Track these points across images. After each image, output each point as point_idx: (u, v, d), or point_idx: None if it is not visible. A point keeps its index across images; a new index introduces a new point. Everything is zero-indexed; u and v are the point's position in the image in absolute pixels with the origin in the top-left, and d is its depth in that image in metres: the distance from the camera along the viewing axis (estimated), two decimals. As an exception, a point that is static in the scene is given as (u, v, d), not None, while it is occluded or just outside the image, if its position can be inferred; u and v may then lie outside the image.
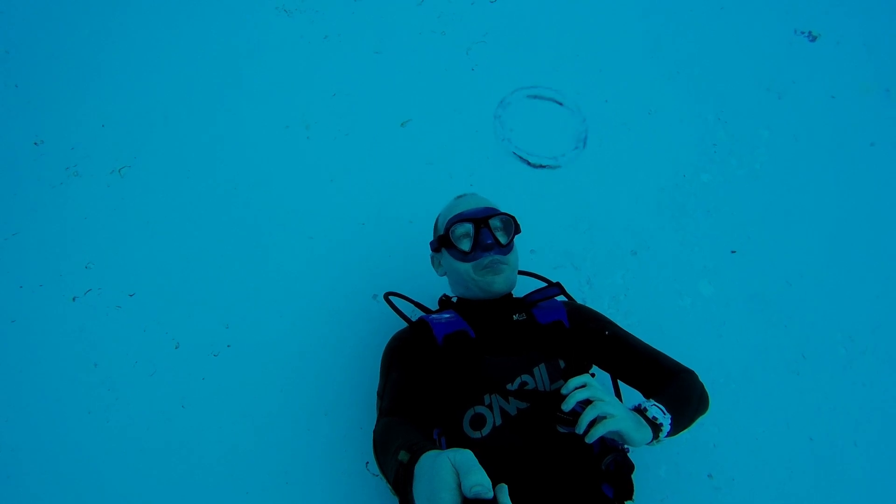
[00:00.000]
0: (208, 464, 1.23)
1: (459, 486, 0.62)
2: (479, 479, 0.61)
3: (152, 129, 1.53)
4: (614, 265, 1.51)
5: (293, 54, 1.66)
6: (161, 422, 1.26)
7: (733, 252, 1.54)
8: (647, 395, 1.06)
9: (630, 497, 0.96)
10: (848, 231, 1.59)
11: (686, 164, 1.65)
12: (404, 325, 1.20)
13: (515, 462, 0.94)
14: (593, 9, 1.80)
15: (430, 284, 1.36)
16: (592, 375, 0.97)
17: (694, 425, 1.03)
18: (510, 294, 1.17)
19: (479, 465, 0.64)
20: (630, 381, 1.11)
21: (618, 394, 1.16)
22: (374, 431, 0.95)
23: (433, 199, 1.36)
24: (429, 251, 1.27)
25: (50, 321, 1.32)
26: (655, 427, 0.90)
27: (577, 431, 0.85)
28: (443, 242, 1.16)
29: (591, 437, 0.84)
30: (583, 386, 0.88)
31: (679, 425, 0.96)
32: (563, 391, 0.88)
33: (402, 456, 0.74)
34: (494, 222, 1.14)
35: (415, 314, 1.25)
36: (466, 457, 0.65)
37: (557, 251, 1.51)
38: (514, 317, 1.12)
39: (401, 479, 0.72)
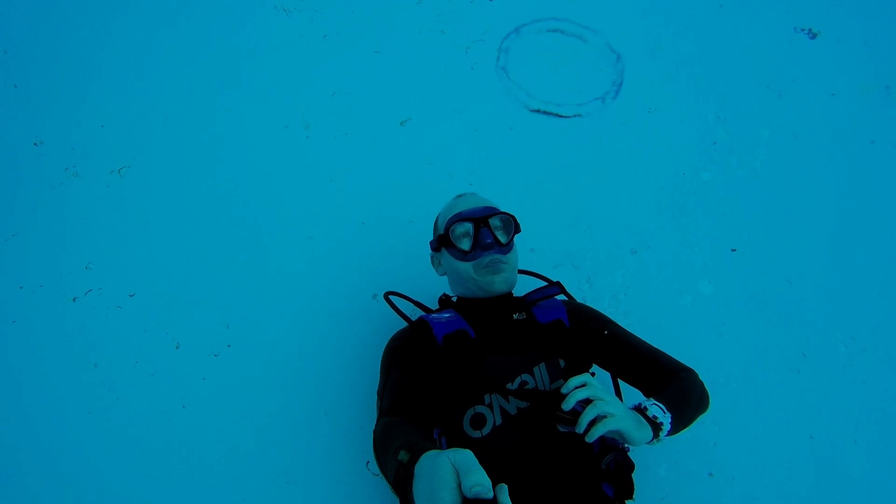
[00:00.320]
0: (208, 464, 1.24)
1: (459, 485, 0.62)
2: (479, 479, 0.61)
3: (152, 130, 1.53)
4: (614, 264, 1.51)
5: (292, 54, 1.66)
6: (161, 422, 1.26)
7: (733, 251, 1.54)
8: (647, 395, 1.06)
9: (630, 496, 0.96)
10: (848, 229, 1.59)
11: (686, 163, 1.64)
12: (404, 324, 1.20)
13: (516, 462, 0.94)
14: (593, 9, 1.79)
15: (429, 284, 1.36)
16: (593, 375, 0.97)
17: (694, 424, 1.03)
18: (510, 293, 1.16)
19: (479, 465, 0.64)
20: (630, 380, 1.11)
21: (618, 393, 1.16)
22: (374, 431, 0.95)
23: (433, 199, 1.36)
24: (428, 251, 1.27)
25: (50, 322, 1.32)
26: (655, 426, 0.90)
27: (577, 431, 0.85)
28: (442, 242, 1.16)
29: (592, 437, 0.84)
30: (583, 385, 0.88)
31: (679, 424, 0.96)
32: (563, 390, 0.88)
33: (402, 456, 0.74)
34: (494, 221, 1.14)
35: (415, 314, 1.25)
36: (466, 456, 0.65)
37: (557, 250, 1.51)
38: (514, 316, 1.12)
39: (401, 479, 0.72)
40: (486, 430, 0.97)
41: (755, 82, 1.75)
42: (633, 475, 0.97)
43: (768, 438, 1.34)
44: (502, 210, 1.17)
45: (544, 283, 1.25)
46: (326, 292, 1.41)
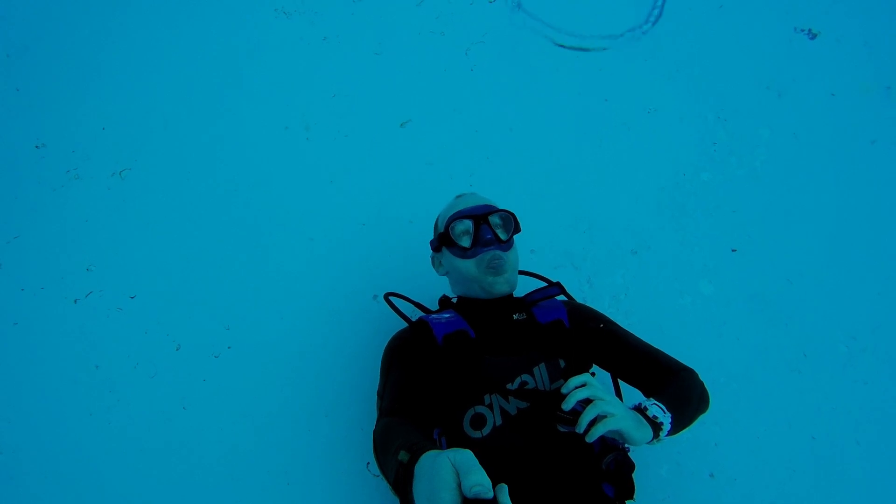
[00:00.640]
0: (209, 464, 1.24)
1: (459, 485, 0.62)
2: (478, 479, 0.61)
3: (153, 132, 1.53)
4: (614, 265, 1.51)
5: (293, 56, 1.66)
6: (162, 423, 1.26)
7: (734, 251, 1.54)
8: (647, 395, 1.05)
9: (631, 496, 0.96)
10: (849, 229, 1.59)
11: (686, 163, 1.64)
12: (404, 325, 1.20)
13: (516, 462, 0.94)
14: (593, 10, 1.80)
15: (430, 285, 1.36)
16: (593, 375, 0.97)
17: (695, 424, 1.03)
18: (510, 294, 1.17)
19: (479, 465, 0.64)
20: (630, 380, 1.11)
21: (618, 393, 1.16)
22: (374, 432, 0.95)
23: (433, 200, 1.36)
24: (429, 251, 1.27)
25: (51, 323, 1.32)
26: (656, 426, 0.90)
27: (577, 430, 0.85)
28: (443, 240, 1.16)
29: (592, 436, 0.84)
30: (583, 385, 0.88)
31: (679, 424, 0.95)
32: (564, 390, 0.88)
33: (402, 456, 0.74)
34: (494, 219, 1.14)
35: (415, 314, 1.26)
36: (466, 457, 0.65)
37: (557, 251, 1.51)
38: (515, 316, 1.12)
39: (401, 479, 0.72)
40: (486, 430, 0.97)
41: (755, 82, 1.75)
42: (633, 475, 0.97)
43: (769, 439, 1.34)
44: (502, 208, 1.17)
45: (544, 284, 1.25)
46: (327, 293, 1.41)
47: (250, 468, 1.24)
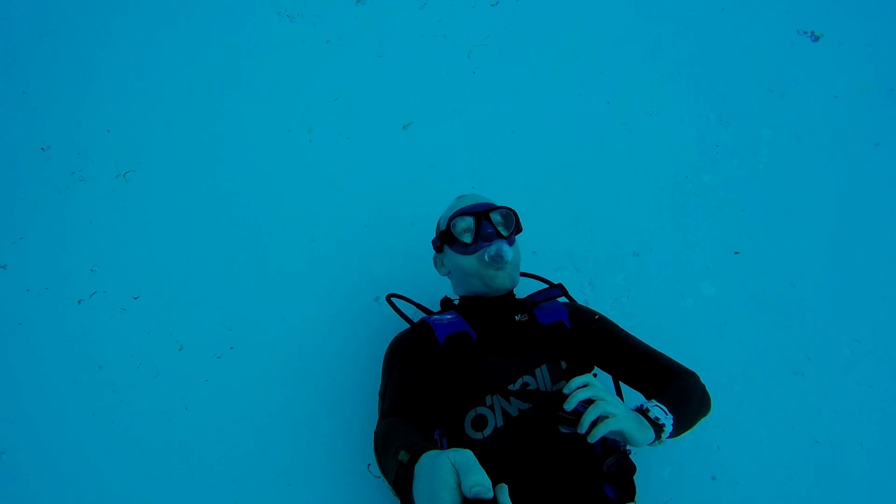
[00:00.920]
0: (210, 464, 1.24)
1: (459, 486, 0.62)
2: (478, 479, 0.61)
3: (157, 135, 1.54)
4: (616, 266, 1.51)
5: (295, 59, 1.67)
6: (164, 423, 1.27)
7: (736, 253, 1.54)
8: (648, 396, 1.05)
9: (632, 498, 0.96)
10: (851, 231, 1.58)
11: (687, 164, 1.64)
12: (406, 326, 1.20)
13: (517, 463, 0.94)
14: (593, 10, 1.80)
15: (431, 286, 1.36)
16: (594, 376, 0.97)
17: (697, 427, 1.03)
18: (512, 295, 1.17)
19: (479, 465, 0.64)
20: (631, 382, 1.11)
21: (619, 395, 1.16)
22: (375, 432, 0.95)
23: (435, 201, 1.37)
24: (430, 253, 1.27)
25: (55, 324, 1.33)
26: (657, 427, 0.90)
27: (579, 431, 0.85)
28: (445, 238, 1.16)
29: (594, 437, 0.84)
30: (585, 385, 0.88)
31: (681, 426, 0.95)
32: (565, 391, 0.88)
33: (403, 456, 0.74)
34: (495, 216, 1.14)
35: (416, 315, 1.26)
36: (466, 457, 0.65)
37: (559, 253, 1.51)
38: (516, 317, 1.12)
39: (401, 480, 0.72)
40: (488, 431, 0.97)
41: (757, 84, 1.75)
42: (634, 477, 0.97)
43: (772, 442, 1.33)
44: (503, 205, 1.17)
45: (546, 286, 1.25)
46: (328, 294, 1.41)
47: (251, 468, 1.24)
